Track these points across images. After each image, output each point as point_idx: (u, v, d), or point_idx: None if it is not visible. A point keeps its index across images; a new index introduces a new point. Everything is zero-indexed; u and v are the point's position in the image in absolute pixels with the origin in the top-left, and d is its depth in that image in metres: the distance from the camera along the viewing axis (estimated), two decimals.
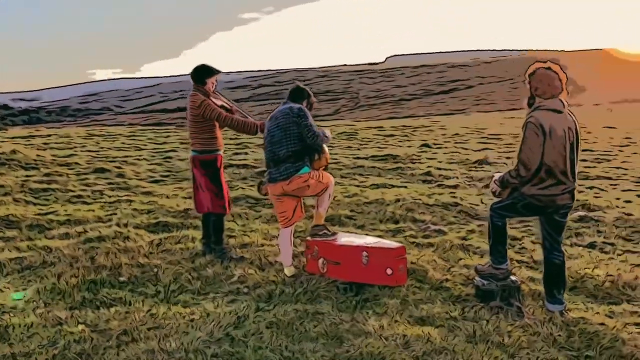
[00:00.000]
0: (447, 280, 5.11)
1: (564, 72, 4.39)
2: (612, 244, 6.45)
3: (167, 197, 9.22)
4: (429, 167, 11.91)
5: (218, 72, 5.88)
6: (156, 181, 10.99)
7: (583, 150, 15.41)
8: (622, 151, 16.09)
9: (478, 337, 3.91)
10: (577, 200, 8.15)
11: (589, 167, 12.44)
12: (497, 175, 4.62)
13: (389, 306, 4.48)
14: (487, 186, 4.72)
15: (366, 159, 13.33)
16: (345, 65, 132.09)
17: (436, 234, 6.80)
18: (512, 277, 4.69)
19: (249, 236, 6.56)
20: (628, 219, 7.45)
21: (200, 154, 5.78)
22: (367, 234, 6.54)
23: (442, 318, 4.28)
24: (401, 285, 4.86)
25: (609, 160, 13.91)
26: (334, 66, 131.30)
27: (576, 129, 4.38)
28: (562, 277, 4.47)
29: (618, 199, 8.81)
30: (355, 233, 6.43)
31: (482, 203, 8.48)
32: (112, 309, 4.42)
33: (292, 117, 4.97)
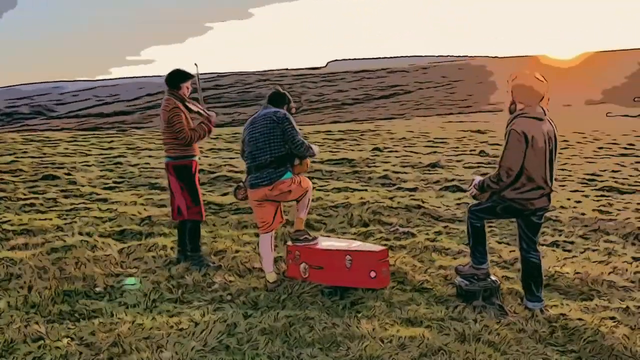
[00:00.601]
0: (426, 281, 5.20)
1: (546, 80, 4.55)
2: (572, 242, 6.74)
3: (126, 204, 8.96)
4: (385, 170, 12.09)
5: (192, 76, 5.79)
6: (110, 188, 10.65)
7: None
8: (561, 154, 16.81)
9: (468, 337, 4.01)
10: None
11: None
12: (476, 179, 4.74)
13: (375, 309, 4.53)
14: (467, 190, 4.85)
15: (322, 162, 13.38)
16: (286, 69, 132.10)
17: (405, 236, 6.92)
18: (492, 277, 4.84)
19: (222, 242, 6.47)
20: (582, 219, 7.80)
21: (175, 160, 5.66)
22: (339, 237, 6.59)
23: (429, 319, 4.36)
24: (384, 288, 4.93)
25: None
26: (275, 70, 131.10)
27: (555, 135, 4.55)
28: (539, 275, 4.63)
29: (569, 199, 9.21)
30: (329, 237, 6.46)
31: (443, 205, 8.70)
32: (95, 321, 4.27)
33: (277, 123, 4.96)
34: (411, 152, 16.44)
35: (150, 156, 15.51)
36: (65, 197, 9.65)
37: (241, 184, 5.40)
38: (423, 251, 6.19)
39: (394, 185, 10.68)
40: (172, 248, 6.26)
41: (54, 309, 4.56)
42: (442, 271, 5.49)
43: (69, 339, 3.95)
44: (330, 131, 24.92)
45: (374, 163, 13.49)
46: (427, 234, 7.04)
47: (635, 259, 5.99)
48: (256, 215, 5.24)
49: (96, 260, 5.77)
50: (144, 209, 8.31)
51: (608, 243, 6.68)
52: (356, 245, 5.26)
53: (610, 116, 38.98)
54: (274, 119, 4.97)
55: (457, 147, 17.80)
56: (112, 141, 21.09)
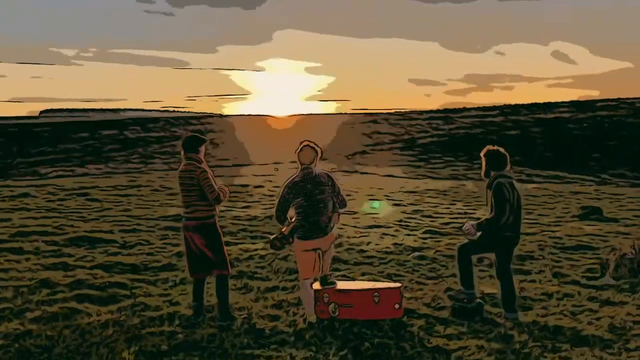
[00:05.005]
0: (418, 308, 6.49)
1: (507, 152, 6.39)
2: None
3: (19, 270, 8.14)
4: (246, 220, 12.87)
5: (207, 140, 6.21)
6: None
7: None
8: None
9: (507, 339, 5.47)
10: (400, 244, 10.41)
11: (357, 217, 14.91)
12: (471, 223, 6.28)
13: (414, 332, 5.70)
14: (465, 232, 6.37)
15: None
16: None
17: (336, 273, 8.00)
18: (477, 299, 6.40)
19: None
20: (444, 253, 9.85)
21: (204, 220, 5.95)
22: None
23: (460, 333, 5.70)
24: (402, 317, 6.08)
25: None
26: None
27: (518, 189, 6.39)
28: (514, 293, 6.36)
29: (415, 241, 11.29)
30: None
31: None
32: None
33: (330, 186, 5.90)
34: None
35: None
36: None
37: (279, 236, 5.98)
38: None
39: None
40: (167, 304, 6.40)
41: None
42: (414, 301, 6.81)
43: None
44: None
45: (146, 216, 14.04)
46: (349, 270, 8.30)
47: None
48: (302, 263, 5.95)
49: (126, 327, 5.71)
50: (61, 274, 7.79)
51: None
52: (373, 284, 6.36)
53: (335, 170, 44.38)
54: (327, 182, 5.86)
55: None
56: None
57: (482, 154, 6.41)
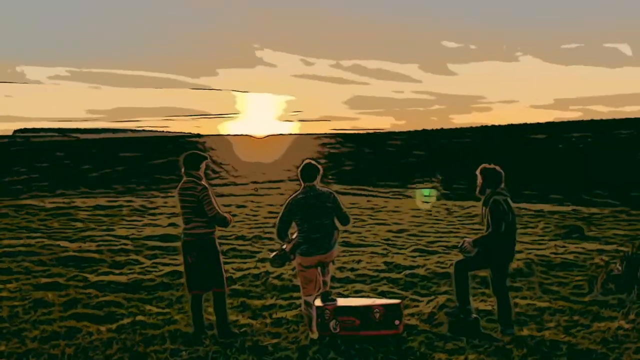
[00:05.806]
0: (417, 325, 6.57)
1: (501, 170, 6.55)
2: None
3: (10, 291, 8.04)
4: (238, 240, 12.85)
5: (207, 157, 6.27)
6: None
7: None
8: None
9: (507, 354, 5.57)
10: (390, 262, 10.51)
11: (346, 235, 15.05)
12: (468, 239, 6.41)
13: (422, 346, 5.77)
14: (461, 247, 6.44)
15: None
16: None
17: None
18: (473, 314, 6.50)
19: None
20: (435, 271, 10.00)
21: (203, 237, 5.98)
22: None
23: (460, 349, 5.78)
24: (402, 333, 6.16)
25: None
26: None
27: (512, 205, 6.55)
28: (511, 308, 6.48)
29: (405, 259, 11.44)
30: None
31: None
32: None
33: (332, 203, 5.93)
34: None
35: None
36: None
37: (280, 253, 6.03)
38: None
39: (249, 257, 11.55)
40: (167, 322, 6.37)
41: None
42: (411, 317, 6.88)
43: None
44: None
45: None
46: (343, 288, 8.36)
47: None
48: (303, 279, 5.98)
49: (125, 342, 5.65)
50: (54, 294, 7.71)
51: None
52: (372, 300, 6.40)
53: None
54: (328, 200, 5.92)
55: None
56: None
57: (478, 172, 6.56)
